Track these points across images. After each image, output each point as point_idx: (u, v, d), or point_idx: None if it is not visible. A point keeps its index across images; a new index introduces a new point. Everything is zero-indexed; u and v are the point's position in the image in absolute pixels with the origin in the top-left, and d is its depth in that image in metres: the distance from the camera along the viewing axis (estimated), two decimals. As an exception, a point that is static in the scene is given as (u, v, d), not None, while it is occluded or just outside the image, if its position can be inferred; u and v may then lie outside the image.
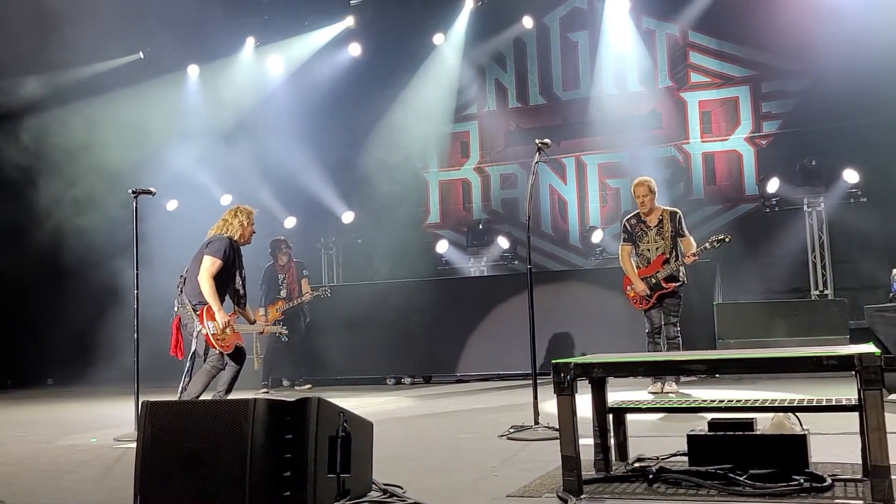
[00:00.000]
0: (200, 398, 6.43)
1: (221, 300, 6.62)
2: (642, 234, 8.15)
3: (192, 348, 6.65)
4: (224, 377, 6.74)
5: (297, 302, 10.82)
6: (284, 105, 14.35)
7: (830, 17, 11.81)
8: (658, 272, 8.00)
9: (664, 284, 8.00)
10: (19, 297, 13.39)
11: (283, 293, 10.86)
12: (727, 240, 8.06)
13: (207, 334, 6.51)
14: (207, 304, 6.54)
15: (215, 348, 6.56)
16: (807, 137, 12.46)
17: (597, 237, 12.95)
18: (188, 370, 6.63)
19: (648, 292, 8.03)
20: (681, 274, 8.06)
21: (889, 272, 8.17)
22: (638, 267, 8.19)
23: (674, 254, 8.04)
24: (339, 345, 11.45)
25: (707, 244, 8.01)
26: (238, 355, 6.78)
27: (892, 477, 3.24)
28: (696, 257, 7.98)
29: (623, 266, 8.32)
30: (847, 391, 4.62)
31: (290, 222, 13.67)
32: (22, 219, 12.87)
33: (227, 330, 6.56)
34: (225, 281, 6.65)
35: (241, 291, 6.82)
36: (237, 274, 6.75)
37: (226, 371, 6.73)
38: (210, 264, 6.55)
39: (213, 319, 6.53)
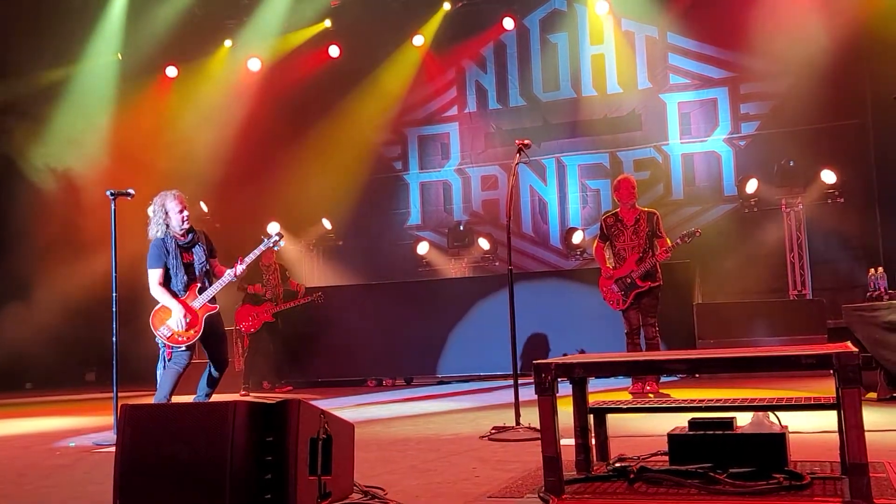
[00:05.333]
0: (173, 399, 6.41)
1: (183, 294, 6.59)
2: (619, 232, 8.17)
3: (159, 360, 6.60)
4: (203, 382, 6.67)
5: (299, 302, 10.83)
6: (263, 106, 14.31)
7: (808, 19, 11.92)
8: (632, 271, 8.02)
9: (639, 283, 8.02)
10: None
11: (268, 294, 10.82)
12: (698, 234, 8.10)
13: (166, 340, 6.48)
14: (158, 305, 6.55)
15: (181, 344, 6.53)
16: (785, 138, 12.56)
17: (577, 238, 12.98)
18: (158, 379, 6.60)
19: (619, 289, 8.05)
20: (657, 274, 8.09)
21: (866, 272, 8.25)
22: (614, 267, 8.22)
23: (649, 253, 8.06)
24: (320, 347, 11.42)
25: (678, 240, 8.03)
26: (215, 352, 6.69)
27: (871, 475, 3.26)
28: (669, 254, 8.01)
29: (597, 259, 8.41)
30: (825, 390, 4.66)
31: (273, 227, 13.59)
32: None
33: (186, 317, 6.50)
34: (170, 275, 6.60)
35: (194, 274, 6.67)
36: (179, 262, 6.59)
37: (204, 377, 6.66)
38: (152, 277, 6.57)
39: (169, 317, 6.50)
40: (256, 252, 6.95)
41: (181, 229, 6.64)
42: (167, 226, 6.59)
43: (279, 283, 10.97)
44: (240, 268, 6.79)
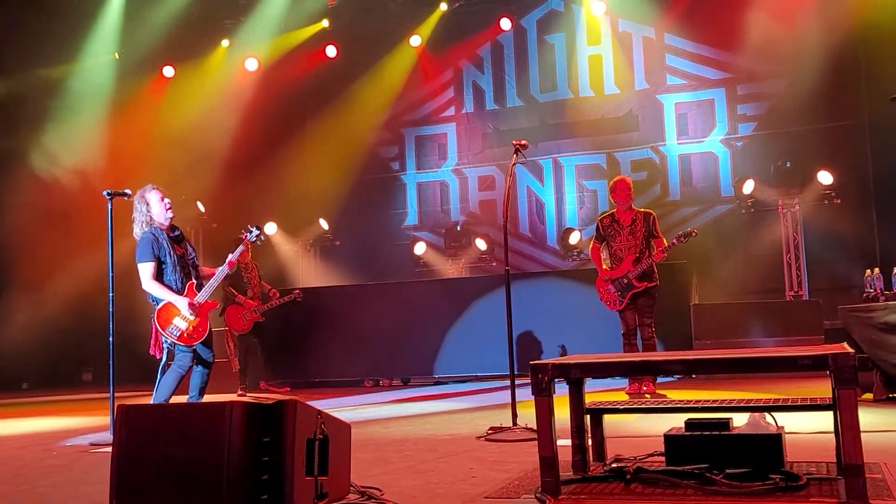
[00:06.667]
0: (173, 401, 6.35)
1: (181, 289, 6.45)
2: (615, 233, 8.18)
3: (163, 360, 6.47)
4: (194, 382, 6.59)
5: (278, 303, 10.80)
6: (260, 106, 14.30)
7: (805, 20, 11.94)
8: (629, 272, 8.03)
9: (636, 283, 8.03)
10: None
11: (249, 293, 10.75)
12: (694, 234, 8.09)
13: (176, 339, 6.35)
14: (162, 303, 6.35)
15: (191, 344, 6.40)
16: (782, 139, 12.59)
17: (574, 238, 12.98)
18: (158, 380, 6.49)
19: (616, 290, 8.06)
20: (654, 274, 8.09)
21: (862, 273, 8.26)
22: (610, 268, 8.22)
23: (646, 254, 8.07)
24: (317, 347, 11.41)
25: (674, 240, 8.03)
26: (205, 352, 6.61)
27: (867, 475, 3.27)
28: (665, 254, 8.01)
29: (593, 260, 8.41)
30: (822, 391, 4.67)
31: (270, 228, 13.59)
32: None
33: (194, 312, 6.35)
34: (167, 270, 6.43)
35: (188, 267, 6.54)
36: (174, 254, 6.43)
37: (194, 376, 6.57)
38: (144, 271, 6.36)
39: (176, 314, 6.34)
40: (241, 247, 6.92)
41: (166, 219, 6.50)
42: (151, 217, 6.43)
43: (257, 280, 10.90)
44: (231, 261, 6.72)
